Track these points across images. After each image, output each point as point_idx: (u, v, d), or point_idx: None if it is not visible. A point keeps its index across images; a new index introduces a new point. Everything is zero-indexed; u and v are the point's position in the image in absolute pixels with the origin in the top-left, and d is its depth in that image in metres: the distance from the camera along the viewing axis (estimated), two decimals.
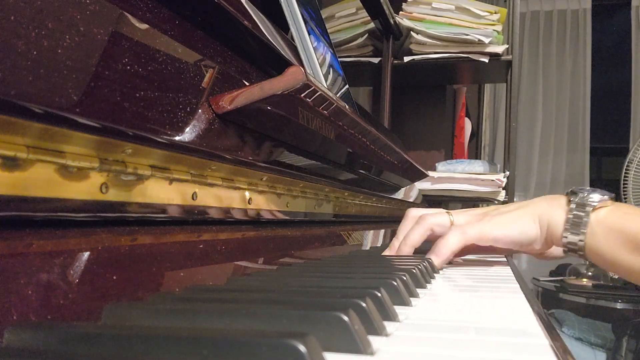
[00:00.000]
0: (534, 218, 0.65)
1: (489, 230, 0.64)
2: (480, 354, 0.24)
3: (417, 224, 0.69)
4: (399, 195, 1.19)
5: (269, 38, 0.54)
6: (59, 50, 0.25)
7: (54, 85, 0.24)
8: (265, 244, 0.51)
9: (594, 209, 0.62)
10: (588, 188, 0.65)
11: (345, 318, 0.23)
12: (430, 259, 0.60)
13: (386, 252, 0.70)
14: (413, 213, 0.73)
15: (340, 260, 0.61)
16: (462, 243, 0.63)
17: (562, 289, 2.28)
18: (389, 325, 0.29)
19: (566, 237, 0.63)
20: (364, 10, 1.57)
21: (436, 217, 0.69)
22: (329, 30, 1.18)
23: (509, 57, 1.68)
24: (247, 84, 0.44)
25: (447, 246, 0.63)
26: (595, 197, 0.63)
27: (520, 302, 0.41)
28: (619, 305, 2.06)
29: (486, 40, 1.62)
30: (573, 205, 0.63)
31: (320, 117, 0.55)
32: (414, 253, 0.69)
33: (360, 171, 0.84)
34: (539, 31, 3.65)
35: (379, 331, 0.27)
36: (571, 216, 0.63)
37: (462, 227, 0.65)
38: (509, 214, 0.66)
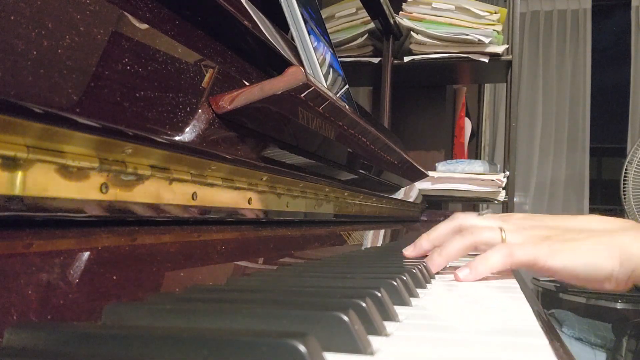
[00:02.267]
0: (610, 253, 0.51)
1: (545, 258, 0.52)
2: (481, 354, 0.24)
3: (461, 235, 0.59)
4: (399, 195, 1.19)
5: (269, 38, 0.54)
6: (59, 50, 0.25)
7: (54, 85, 0.24)
8: (265, 244, 0.51)
9: None
10: None
11: (345, 318, 0.23)
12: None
13: (409, 251, 0.63)
14: (460, 220, 0.62)
15: (340, 260, 0.61)
16: (505, 266, 0.53)
17: (562, 289, 2.28)
18: (389, 325, 0.29)
19: None
20: (364, 10, 1.57)
21: (485, 234, 0.58)
22: (329, 30, 1.18)
23: (509, 57, 1.68)
24: (247, 84, 0.44)
25: (486, 266, 0.52)
26: None
27: (520, 301, 0.41)
28: (619, 305, 2.06)
29: (486, 40, 1.62)
30: None
31: (320, 117, 0.55)
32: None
33: (360, 171, 0.84)
34: (539, 31, 3.65)
35: (379, 331, 0.27)
36: None
37: (510, 247, 0.53)
38: (577, 243, 0.53)
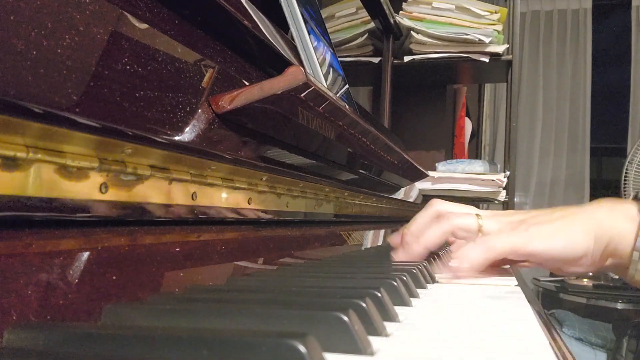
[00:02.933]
0: (585, 229, 0.52)
1: (523, 242, 0.52)
2: (481, 354, 0.24)
3: (438, 222, 0.59)
4: (399, 195, 1.19)
5: (269, 38, 0.54)
6: (59, 50, 0.25)
7: (53, 85, 0.24)
8: (265, 244, 0.50)
9: None
10: None
11: (345, 318, 0.23)
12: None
13: (400, 254, 0.62)
14: (437, 206, 0.62)
15: (340, 260, 0.61)
16: (486, 260, 0.52)
17: (563, 289, 2.28)
18: (389, 326, 0.29)
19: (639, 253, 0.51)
20: (364, 9, 1.57)
21: (461, 219, 0.58)
22: (329, 30, 1.18)
23: (509, 57, 1.68)
24: (247, 83, 0.44)
25: (467, 263, 0.52)
26: None
27: (521, 302, 0.41)
28: (619, 305, 2.06)
29: (486, 40, 1.62)
30: None
31: (320, 117, 0.55)
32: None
33: (360, 171, 0.84)
34: (539, 31, 3.65)
35: (379, 331, 0.27)
36: None
37: (488, 240, 0.53)
38: (553, 224, 0.54)
